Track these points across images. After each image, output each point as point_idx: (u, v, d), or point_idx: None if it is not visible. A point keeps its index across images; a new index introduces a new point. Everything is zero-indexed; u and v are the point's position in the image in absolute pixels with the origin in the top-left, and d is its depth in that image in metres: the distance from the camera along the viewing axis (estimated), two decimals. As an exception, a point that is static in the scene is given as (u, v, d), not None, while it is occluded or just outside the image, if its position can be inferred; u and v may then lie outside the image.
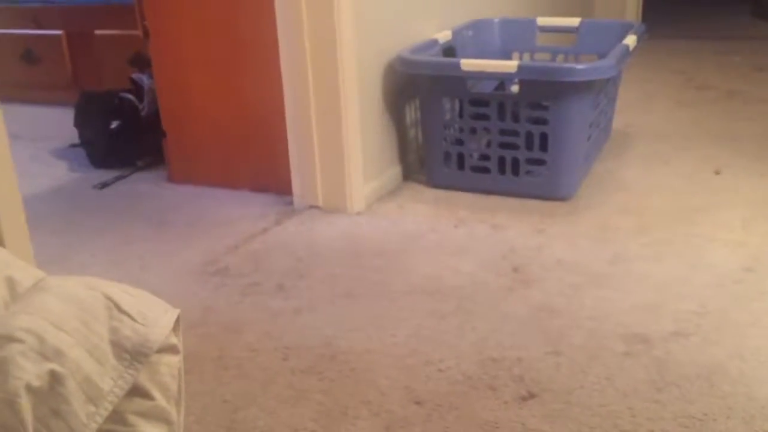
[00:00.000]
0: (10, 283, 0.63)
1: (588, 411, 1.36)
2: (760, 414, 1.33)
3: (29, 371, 0.57)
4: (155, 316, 0.68)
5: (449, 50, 2.53)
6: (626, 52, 2.27)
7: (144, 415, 0.69)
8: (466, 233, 2.10)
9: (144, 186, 2.58)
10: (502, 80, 2.27)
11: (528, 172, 2.27)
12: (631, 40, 2.35)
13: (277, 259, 1.99)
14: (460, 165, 2.34)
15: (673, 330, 1.59)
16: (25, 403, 0.55)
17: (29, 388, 0.56)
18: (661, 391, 1.41)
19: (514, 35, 2.78)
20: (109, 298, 0.66)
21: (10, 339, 0.57)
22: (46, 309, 0.61)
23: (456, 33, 2.59)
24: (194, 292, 1.84)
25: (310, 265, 1.95)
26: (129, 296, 0.68)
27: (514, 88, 2.22)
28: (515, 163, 2.26)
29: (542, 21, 2.75)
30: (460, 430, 1.32)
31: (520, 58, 2.76)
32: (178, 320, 0.75)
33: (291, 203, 2.32)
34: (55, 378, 0.58)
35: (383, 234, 2.12)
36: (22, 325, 0.59)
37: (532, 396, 1.41)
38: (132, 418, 0.68)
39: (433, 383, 1.46)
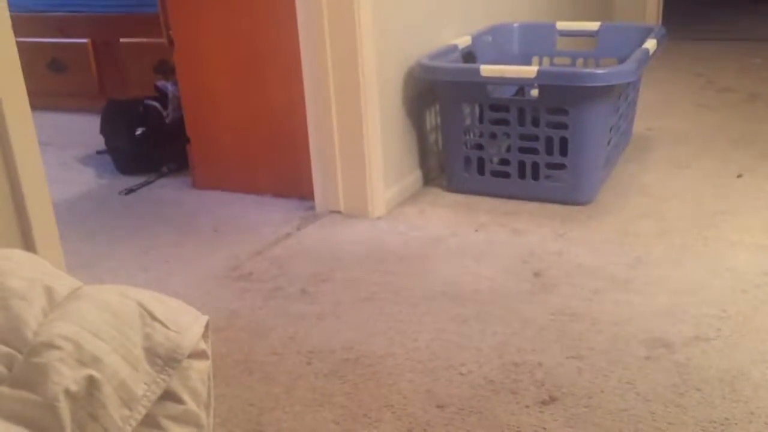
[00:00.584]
0: (49, 292, 0.66)
1: (609, 415, 1.37)
2: (782, 419, 1.33)
3: (68, 377, 0.59)
4: (186, 324, 0.70)
5: (469, 55, 2.55)
6: (646, 56, 2.27)
7: (175, 419, 0.71)
8: (486, 238, 2.11)
9: (169, 192, 2.62)
10: (522, 85, 2.28)
11: (548, 177, 2.28)
12: (651, 44, 2.35)
13: (299, 264, 2.01)
14: (480, 170, 2.36)
15: (694, 334, 1.60)
16: (64, 407, 0.58)
17: (68, 393, 0.59)
18: (683, 395, 1.41)
19: (533, 40, 2.79)
20: (142, 306, 0.68)
21: (50, 346, 0.60)
22: (83, 317, 0.64)
23: (475, 38, 2.61)
24: (219, 297, 1.87)
25: (333, 269, 1.97)
26: (161, 304, 0.70)
27: (534, 93, 2.24)
28: (535, 167, 2.27)
29: (562, 25, 2.76)
30: (481, 433, 1.34)
31: (540, 63, 2.77)
32: (207, 327, 0.78)
33: (313, 208, 2.35)
34: (92, 383, 0.60)
35: (404, 239, 2.14)
36: (61, 332, 0.61)
37: (553, 400, 1.42)
38: (164, 422, 0.70)
39: (455, 387, 1.47)
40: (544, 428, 1.34)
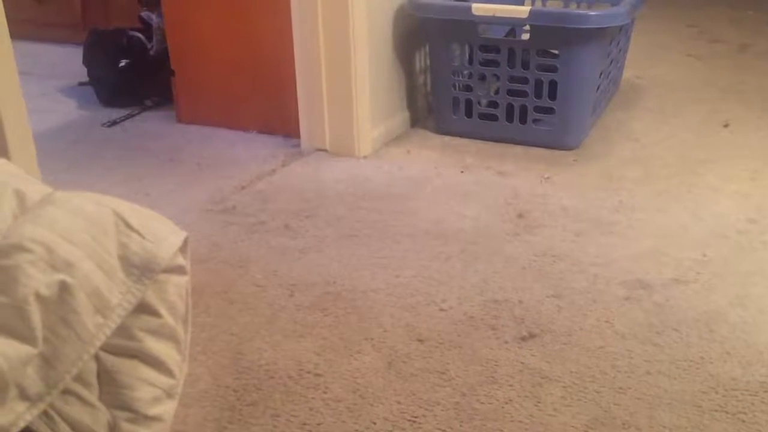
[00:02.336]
0: (20, 195, 0.64)
1: (587, 352, 1.38)
2: (757, 359, 1.35)
3: (39, 280, 0.58)
4: (163, 235, 0.69)
5: (461, -5, 2.50)
6: (640, 0, 2.23)
7: (151, 331, 0.71)
8: (472, 179, 2.10)
9: (152, 125, 2.58)
10: (513, 26, 2.24)
11: (536, 121, 2.26)
12: (645, -12, 2.31)
13: (283, 200, 2.00)
14: (468, 112, 2.34)
15: (674, 277, 1.61)
16: (34, 310, 0.57)
17: (38, 296, 0.58)
18: (660, 334, 1.43)
19: (527, -19, 2.74)
20: (118, 215, 0.67)
21: (20, 248, 0.59)
22: (56, 221, 0.62)
23: (468, -23, 2.55)
24: (202, 229, 1.86)
25: (317, 206, 1.96)
26: (138, 214, 0.69)
27: (525, 35, 2.20)
28: (523, 111, 2.25)
29: (556, -33, 2.71)
30: (460, 366, 1.35)
31: (533, 5, 2.72)
32: (186, 242, 0.77)
33: (298, 146, 2.33)
34: (64, 288, 0.59)
35: (389, 178, 2.13)
36: (32, 235, 0.60)
37: (532, 336, 1.43)
38: (139, 334, 0.70)
39: (435, 322, 1.48)
40: (522, 362, 1.36)
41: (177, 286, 0.74)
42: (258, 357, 1.39)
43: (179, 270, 0.75)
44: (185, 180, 2.14)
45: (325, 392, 1.29)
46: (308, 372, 1.35)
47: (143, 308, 0.70)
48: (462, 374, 1.33)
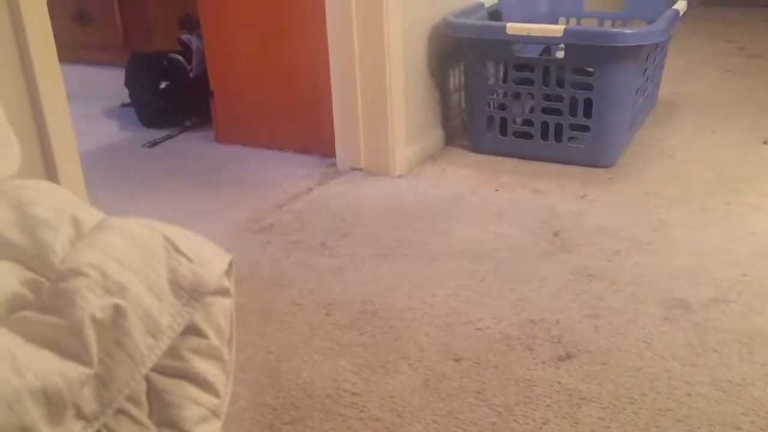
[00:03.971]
0: (75, 221, 0.67)
1: (625, 373, 1.37)
2: (798, 381, 1.33)
3: (94, 303, 0.61)
4: (210, 259, 0.72)
5: (495, 15, 2.52)
6: (676, 17, 2.23)
7: (198, 352, 0.73)
8: (507, 197, 2.11)
9: (192, 145, 2.64)
10: (547, 45, 2.25)
11: (571, 139, 2.26)
12: (681, 5, 2.31)
13: (320, 219, 2.02)
14: (503, 130, 2.35)
15: (713, 296, 1.59)
16: (90, 333, 0.59)
17: (94, 320, 0.60)
18: (700, 355, 1.41)
19: (561, 0, 2.74)
20: (167, 239, 0.69)
21: (77, 273, 0.61)
22: (110, 246, 0.65)
23: (502, -3, 2.57)
24: (240, 249, 1.89)
25: (353, 225, 1.98)
26: (186, 239, 0.71)
27: (560, 54, 2.21)
28: (558, 128, 2.26)
29: (591, -15, 2.72)
30: (497, 386, 1.35)
31: (567, 23, 2.73)
32: (230, 265, 0.79)
33: (334, 165, 2.36)
34: (117, 311, 0.62)
35: (424, 197, 2.14)
36: (88, 260, 0.63)
37: (569, 356, 1.43)
38: (187, 355, 0.72)
39: (472, 341, 1.48)
40: (559, 383, 1.36)
41: (223, 308, 0.76)
42: (296, 376, 1.40)
43: (225, 292, 0.77)
44: (224, 200, 2.18)
45: (362, 411, 1.31)
46: (345, 391, 1.36)
47: (191, 330, 0.72)
48: (499, 394, 1.33)
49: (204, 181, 2.34)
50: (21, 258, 0.63)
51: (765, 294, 1.59)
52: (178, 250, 0.69)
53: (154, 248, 0.67)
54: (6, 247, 0.63)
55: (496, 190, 2.16)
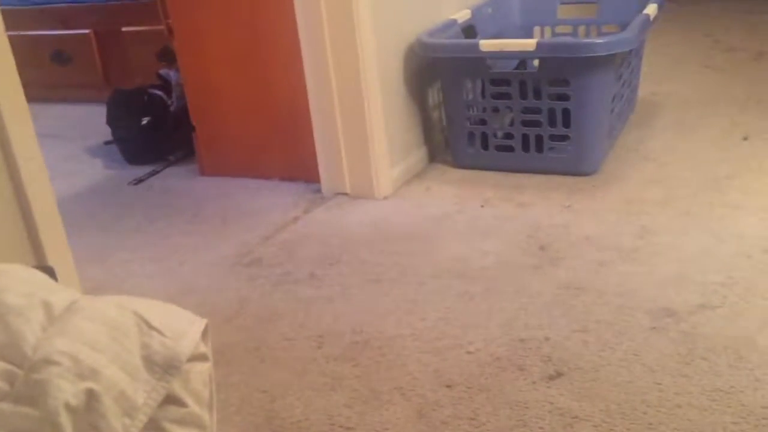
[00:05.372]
0: (47, 306, 0.68)
1: (616, 388, 1.38)
2: (787, 385, 1.34)
3: (67, 391, 0.62)
4: (183, 330, 0.72)
5: (469, 29, 2.54)
6: (647, 22, 2.25)
7: (178, 421, 0.74)
8: (492, 213, 2.12)
9: (177, 180, 2.65)
10: (522, 59, 2.27)
11: (552, 149, 2.27)
12: (651, 9, 2.32)
13: (307, 248, 2.03)
14: (484, 144, 2.36)
15: (700, 303, 1.61)
16: (66, 421, 0.60)
17: (68, 407, 0.61)
18: (689, 365, 1.42)
19: (534, 10, 2.76)
20: (138, 316, 0.70)
21: (49, 362, 0.62)
22: (81, 331, 0.66)
23: (475, 11, 2.59)
24: (230, 284, 1.90)
25: (340, 252, 1.99)
26: (158, 312, 0.72)
27: (536, 63, 2.22)
28: (539, 140, 2.27)
29: (562, -7, 2.73)
30: (490, 411, 1.36)
31: (542, 32, 2.75)
32: (206, 329, 0.80)
33: (319, 191, 2.37)
34: (91, 396, 0.63)
35: (410, 218, 2.15)
36: (59, 348, 0.64)
37: (560, 375, 1.44)
38: (167, 425, 0.73)
39: (463, 366, 1.49)
40: (551, 403, 1.36)
41: (201, 373, 0.77)
42: (290, 414, 1.41)
43: (201, 357, 0.78)
44: (211, 235, 2.19)
45: (357, 446, 1.31)
46: (340, 426, 1.37)
47: (170, 399, 0.73)
48: (492, 419, 1.34)
49: (191, 216, 2.35)
50: (-7, 349, 0.64)
51: (750, 296, 1.61)
52: (149, 326, 0.70)
53: (126, 327, 0.68)
54: (-22, 338, 0.64)
55: (482, 206, 2.17)
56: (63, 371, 0.62)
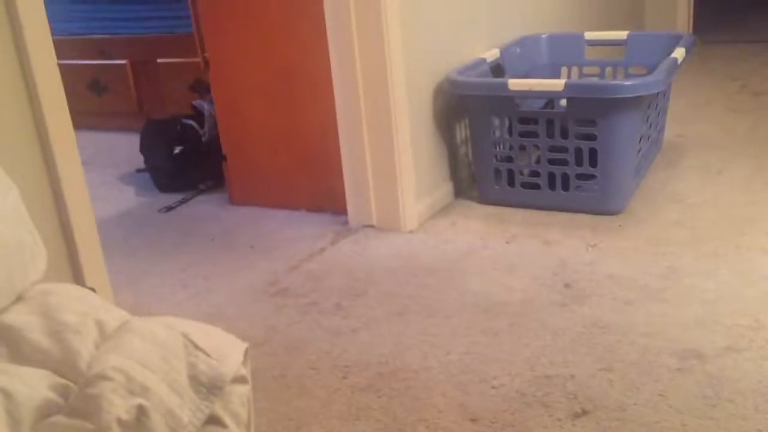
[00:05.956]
0: (100, 325, 0.71)
1: (641, 428, 1.38)
2: (814, 430, 1.34)
3: (119, 406, 0.64)
4: (227, 352, 0.75)
5: (497, 68, 2.58)
6: (674, 65, 2.28)
7: (219, 441, 0.76)
8: (517, 249, 2.14)
9: (207, 208, 2.69)
10: (549, 99, 2.30)
11: (578, 188, 2.29)
12: (679, 53, 2.35)
13: (334, 279, 2.06)
14: (511, 181, 2.38)
15: (726, 345, 1.60)
16: (117, 435, 0.63)
17: (120, 422, 0.64)
18: (715, 407, 1.42)
19: (562, 50, 2.80)
20: (186, 337, 0.73)
21: (103, 377, 0.65)
22: (132, 348, 0.69)
23: (504, 51, 2.63)
24: (257, 313, 1.92)
25: (366, 284, 2.02)
26: (204, 334, 0.75)
27: (563, 103, 2.26)
28: (565, 178, 2.29)
29: (590, 35, 2.77)
30: (514, 446, 1.37)
31: (569, 73, 2.78)
32: (246, 353, 0.82)
33: (346, 223, 2.40)
34: (141, 411, 0.65)
35: (436, 252, 2.17)
36: (112, 364, 0.66)
37: (585, 413, 1.44)
38: (208, 444, 0.75)
39: (488, 400, 1.50)
40: (576, 441, 1.37)
41: (240, 395, 0.79)
42: (316, 442, 1.43)
43: (242, 380, 0.80)
44: (239, 263, 2.22)
45: (382, 477, 1.32)
46: (365, 456, 1.38)
47: (211, 420, 0.75)
48: (517, 454, 1.35)
49: (220, 244, 2.38)
50: (50, 364, 0.66)
51: (777, 340, 1.60)
52: (196, 347, 0.73)
53: (174, 346, 0.71)
54: (37, 353, 0.67)
55: (507, 243, 2.19)
56: (116, 387, 0.64)
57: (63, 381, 0.66)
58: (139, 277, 2.19)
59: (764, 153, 2.67)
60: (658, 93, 2.35)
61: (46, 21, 1.44)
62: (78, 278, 1.47)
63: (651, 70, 2.29)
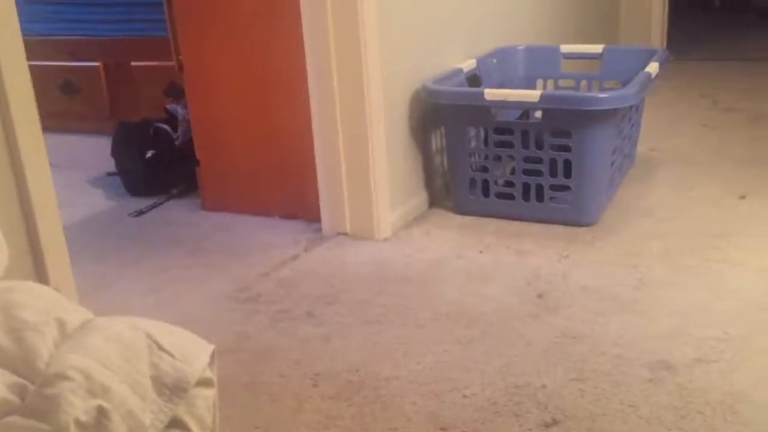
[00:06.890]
0: (60, 323, 0.69)
1: (611, 438, 1.38)
2: (782, 442, 1.34)
3: (78, 407, 0.62)
4: (193, 353, 0.73)
5: (474, 78, 2.58)
6: (648, 79, 2.30)
7: (182, 445, 0.74)
8: (491, 259, 2.13)
9: (178, 214, 2.66)
10: (525, 109, 2.31)
11: (552, 199, 2.30)
12: (653, 68, 2.38)
13: (306, 286, 2.04)
14: (485, 192, 2.39)
15: (696, 356, 1.61)
16: (75, 437, 0.61)
17: (78, 423, 0.61)
18: (684, 418, 1.42)
19: (538, 62, 2.82)
20: (150, 337, 0.71)
21: (62, 377, 0.63)
22: (93, 348, 0.66)
23: (480, 61, 2.64)
24: (227, 319, 1.89)
25: (339, 291, 2.00)
26: (169, 334, 0.73)
27: (538, 114, 2.27)
28: (540, 189, 2.30)
29: (566, 48, 2.79)
30: (484, 456, 1.35)
31: (545, 85, 2.80)
32: (213, 355, 0.80)
33: (320, 230, 2.38)
34: (101, 413, 0.63)
35: (410, 260, 2.16)
36: (72, 363, 0.64)
37: (555, 423, 1.44)
38: (171, 449, 0.73)
39: (459, 409, 1.49)
40: (547, 451, 1.36)
41: (205, 399, 0.77)
42: (284, 450, 1.40)
43: (207, 383, 0.78)
44: (211, 269, 2.19)
45: (351, 486, 1.30)
46: (334, 465, 1.36)
47: (174, 423, 0.73)
48: (487, 464, 1.34)
49: (191, 249, 2.35)
50: (7, 362, 0.64)
51: (746, 353, 1.61)
52: (160, 347, 0.71)
53: (137, 347, 0.69)
54: (-8, 351, 0.64)
55: (481, 252, 2.19)
56: (75, 387, 0.62)
57: (20, 380, 0.64)
58: (108, 282, 2.16)
59: (734, 169, 2.71)
60: (631, 106, 2.37)
61: (16, 20, 1.41)
62: (43, 281, 1.44)
63: (625, 84, 2.31)
